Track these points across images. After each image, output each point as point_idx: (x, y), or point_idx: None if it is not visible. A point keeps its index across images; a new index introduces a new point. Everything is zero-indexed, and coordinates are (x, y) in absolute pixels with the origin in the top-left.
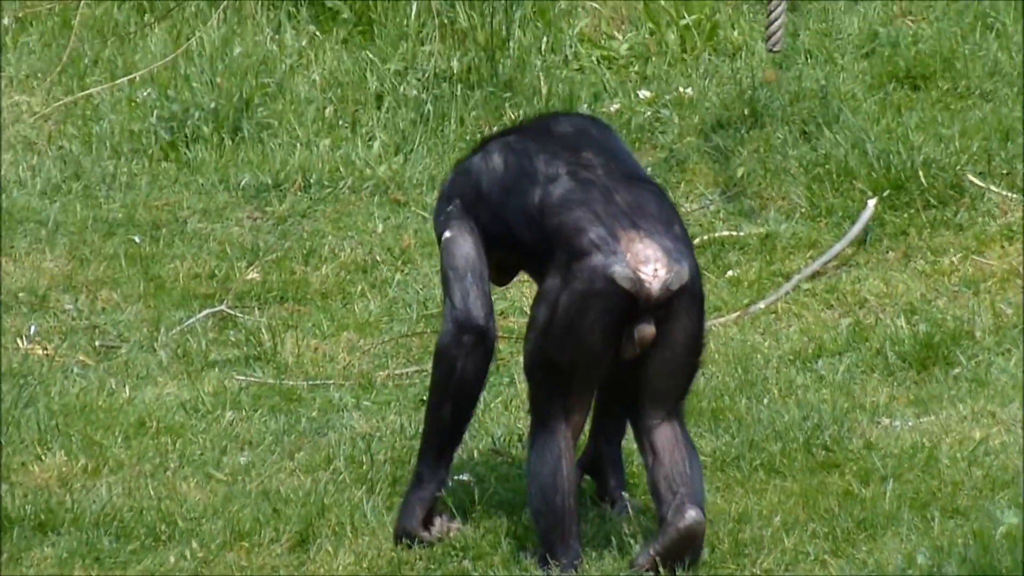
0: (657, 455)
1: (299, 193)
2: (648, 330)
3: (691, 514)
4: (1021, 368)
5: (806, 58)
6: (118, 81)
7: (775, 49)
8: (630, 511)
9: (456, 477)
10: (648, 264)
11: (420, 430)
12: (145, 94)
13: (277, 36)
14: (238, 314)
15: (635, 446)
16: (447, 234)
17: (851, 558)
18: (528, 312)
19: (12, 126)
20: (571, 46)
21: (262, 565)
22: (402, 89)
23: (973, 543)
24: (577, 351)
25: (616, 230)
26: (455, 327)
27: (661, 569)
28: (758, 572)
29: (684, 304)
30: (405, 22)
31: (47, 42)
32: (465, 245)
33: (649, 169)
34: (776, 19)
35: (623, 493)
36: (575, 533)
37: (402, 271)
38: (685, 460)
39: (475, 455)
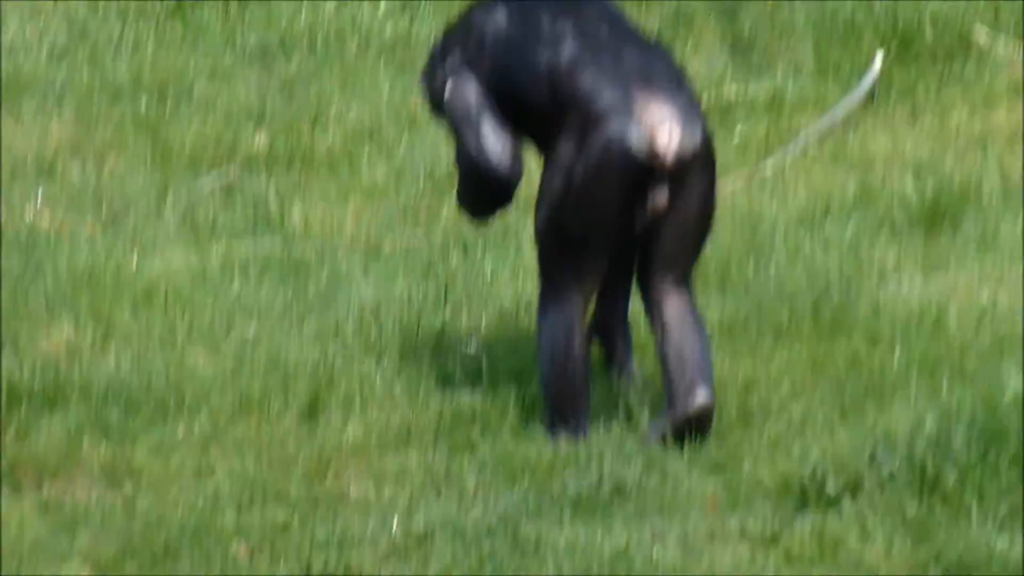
0: (666, 327)
1: (306, 54)
2: (662, 196)
3: (701, 396)
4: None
5: None
6: None
7: None
8: (637, 379)
9: (464, 349)
10: (663, 125)
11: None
12: None
13: None
14: (245, 180)
15: (643, 312)
16: (450, 82)
17: (859, 423)
18: (537, 178)
19: None
20: None
21: (271, 435)
22: None
23: (981, 407)
24: (593, 221)
25: (632, 90)
26: (473, 172)
27: (669, 445)
28: (766, 438)
29: (697, 169)
30: None
31: None
32: (471, 88)
33: (656, 24)
34: None
35: (631, 360)
36: (585, 402)
37: (409, 135)
38: (695, 335)
39: (481, 326)
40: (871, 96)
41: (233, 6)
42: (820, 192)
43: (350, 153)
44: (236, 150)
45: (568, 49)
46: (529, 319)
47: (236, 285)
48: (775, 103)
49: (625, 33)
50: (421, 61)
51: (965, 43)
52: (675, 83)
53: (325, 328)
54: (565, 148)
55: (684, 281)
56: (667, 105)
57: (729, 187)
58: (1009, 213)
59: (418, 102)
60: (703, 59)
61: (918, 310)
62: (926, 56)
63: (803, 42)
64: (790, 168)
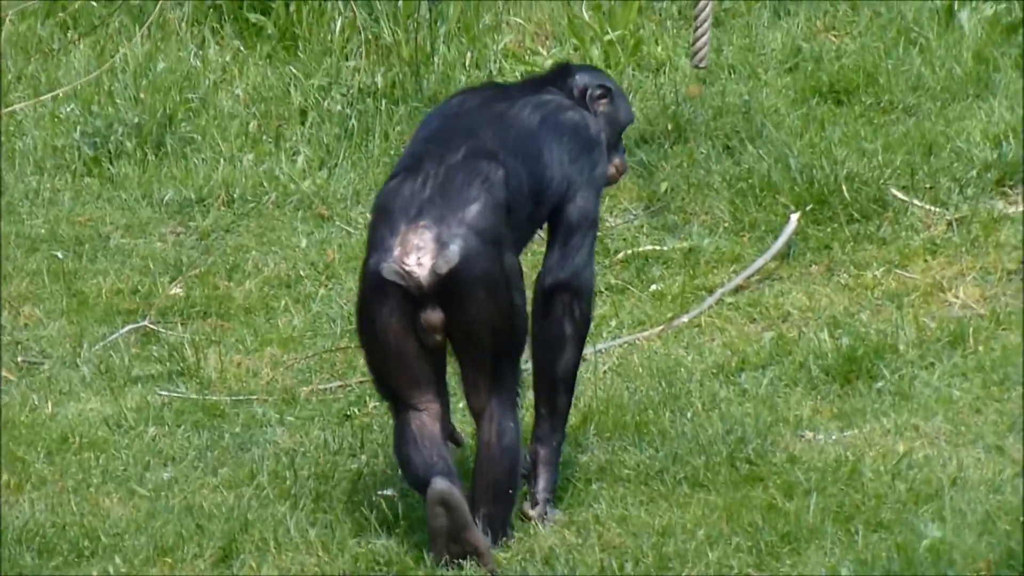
0: (479, 446)
1: (223, 208)
2: (432, 316)
3: (478, 538)
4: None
5: (729, 73)
6: (41, 97)
7: (700, 65)
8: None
9: (379, 492)
10: (412, 254)
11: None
12: (68, 110)
13: (201, 52)
14: (161, 329)
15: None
16: None
17: (775, 572)
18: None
19: None
20: (495, 61)
21: None
22: (326, 104)
23: (897, 556)
24: (377, 343)
25: (398, 224)
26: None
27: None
28: None
29: (465, 286)
30: (329, 37)
31: None
32: None
33: None
34: (702, 35)
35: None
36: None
37: (326, 286)
38: (492, 464)
39: (399, 469)
40: (787, 252)
41: (151, 161)
42: (736, 345)
43: (266, 304)
44: (151, 301)
45: (392, 181)
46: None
47: (151, 431)
48: (691, 259)
49: (469, 149)
50: (339, 213)
51: (880, 203)
52: (462, 203)
53: (240, 474)
54: None
55: (498, 394)
56: (428, 229)
57: (646, 339)
58: (925, 365)
59: (335, 254)
60: (620, 216)
61: (834, 460)
62: (842, 215)
63: (719, 200)
64: (707, 321)
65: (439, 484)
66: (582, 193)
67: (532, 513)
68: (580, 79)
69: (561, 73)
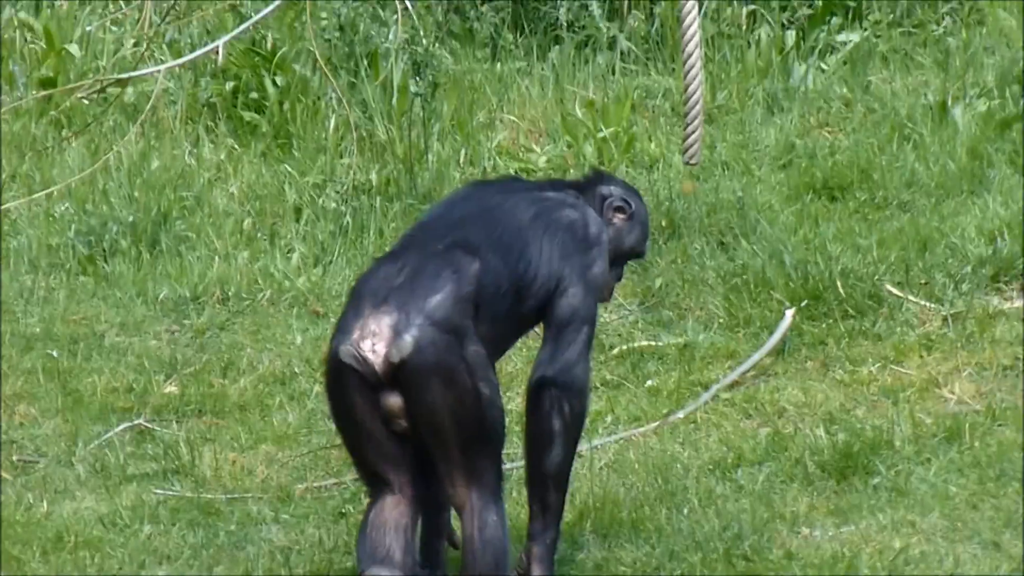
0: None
1: (217, 306)
2: (390, 400)
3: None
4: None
5: (723, 169)
6: (35, 195)
7: (692, 162)
8: None
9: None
10: (367, 340)
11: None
12: (63, 209)
13: (195, 150)
14: (156, 428)
15: None
16: None
17: None
18: None
19: None
20: (489, 158)
21: None
22: (321, 201)
23: None
24: (344, 423)
25: (363, 309)
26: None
27: None
28: None
29: (419, 375)
30: (323, 135)
31: None
32: None
33: None
34: (693, 132)
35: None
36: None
37: (321, 383)
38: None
39: None
40: (782, 348)
41: (145, 259)
42: (731, 440)
43: (261, 401)
44: (146, 399)
45: (373, 265)
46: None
47: (146, 530)
48: (687, 354)
49: (450, 240)
50: (334, 310)
51: (875, 299)
52: (428, 291)
53: (235, 573)
54: None
55: (477, 487)
56: (388, 316)
57: (641, 434)
58: (922, 461)
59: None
60: (615, 312)
61: (830, 557)
62: (837, 311)
63: (714, 296)
64: (702, 417)
65: (372, 572)
66: (573, 290)
67: None
68: (607, 188)
69: (593, 179)
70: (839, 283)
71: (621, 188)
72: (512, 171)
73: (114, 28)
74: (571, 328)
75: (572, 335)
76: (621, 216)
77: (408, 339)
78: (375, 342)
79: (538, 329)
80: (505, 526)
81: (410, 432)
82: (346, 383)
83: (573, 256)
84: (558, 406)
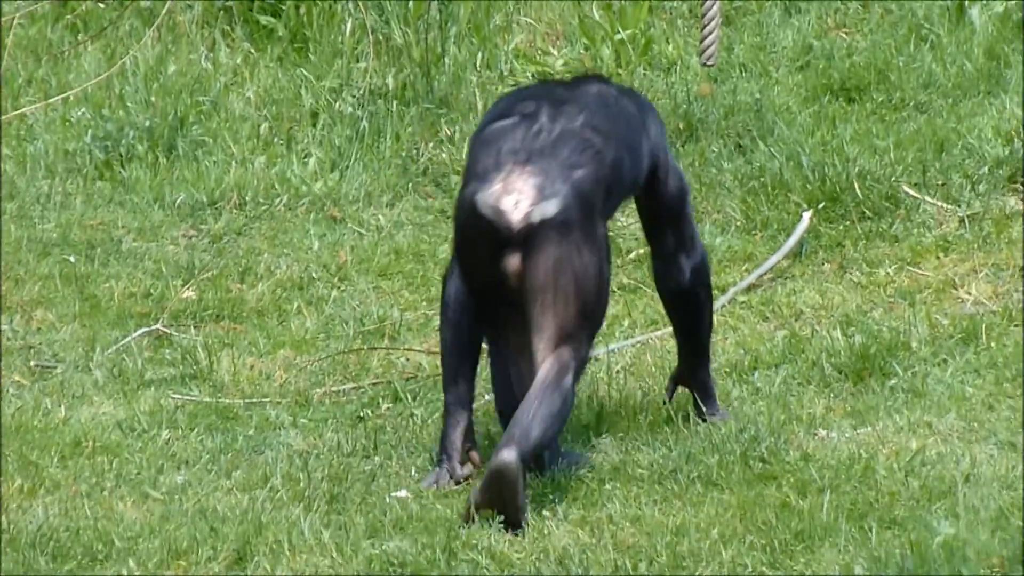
0: (528, 391)
1: (234, 211)
2: (514, 260)
3: (500, 455)
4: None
5: (740, 72)
6: (52, 100)
7: (709, 64)
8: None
9: (393, 494)
10: (510, 195)
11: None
12: (79, 113)
13: (211, 54)
14: (174, 333)
15: None
16: None
17: (789, 570)
18: None
19: None
20: (507, 62)
21: None
22: (337, 106)
23: (911, 554)
24: (468, 258)
25: (504, 163)
26: None
27: (475, 511)
28: None
29: (553, 238)
30: (340, 39)
31: None
32: None
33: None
34: (710, 33)
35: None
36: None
37: (338, 288)
38: (538, 401)
39: (413, 471)
40: (799, 251)
41: (162, 164)
42: (749, 343)
43: (279, 306)
44: (164, 304)
45: (497, 123)
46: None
47: (164, 435)
48: None
49: (579, 121)
50: (351, 215)
51: (892, 201)
52: (569, 163)
53: (253, 477)
54: None
55: (558, 351)
56: (534, 177)
57: (659, 338)
58: (938, 363)
59: (347, 256)
60: (632, 216)
61: (847, 458)
62: (854, 213)
63: (731, 199)
64: (719, 320)
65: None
66: (672, 170)
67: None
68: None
69: (599, 79)
70: (856, 185)
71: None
72: (530, 75)
73: None
74: (686, 206)
75: (687, 212)
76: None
77: (554, 202)
78: (519, 199)
79: None
80: (572, 399)
81: (515, 291)
82: (476, 230)
83: (662, 139)
84: (698, 280)
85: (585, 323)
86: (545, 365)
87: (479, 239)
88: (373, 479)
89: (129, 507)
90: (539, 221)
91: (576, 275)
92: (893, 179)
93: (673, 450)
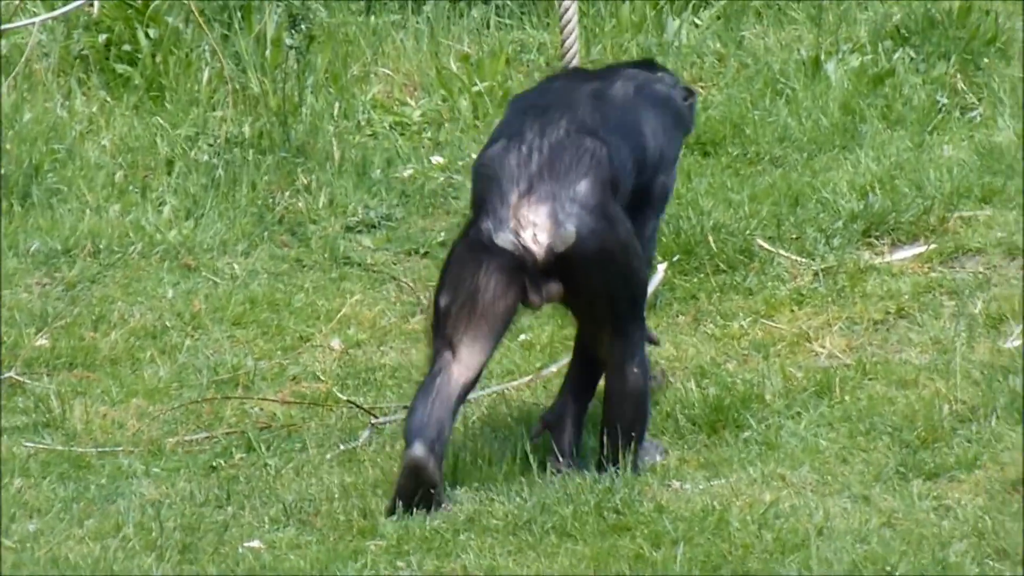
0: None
1: (88, 259)
2: (554, 287)
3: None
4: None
5: None
6: None
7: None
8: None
9: (245, 544)
10: (528, 229)
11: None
12: None
13: (67, 102)
14: (27, 380)
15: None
16: None
17: None
18: None
19: None
20: (364, 112)
21: None
22: (193, 154)
23: None
24: (462, 290)
25: (508, 194)
26: None
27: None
28: None
29: (582, 263)
30: (196, 88)
31: None
32: None
33: (443, 236)
34: (569, 35)
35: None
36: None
37: (192, 336)
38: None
39: (266, 521)
40: (654, 302)
41: (16, 211)
42: (603, 393)
43: (132, 355)
44: (17, 352)
45: (492, 149)
46: (320, 518)
47: (17, 483)
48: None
49: (573, 126)
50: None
51: (747, 254)
52: (571, 180)
53: (106, 526)
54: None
55: (621, 344)
56: (542, 204)
57: (514, 388)
58: (792, 415)
59: (201, 304)
60: None
61: (701, 510)
62: (708, 265)
63: None
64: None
65: (416, 451)
66: (668, 166)
67: None
68: (669, 77)
69: (650, 64)
70: (711, 238)
71: (674, 77)
72: (387, 125)
73: None
74: (662, 203)
75: (661, 207)
76: (688, 103)
77: (571, 228)
78: (536, 232)
79: None
80: (647, 374)
81: (567, 306)
82: (489, 261)
83: (670, 131)
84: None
85: (632, 311)
86: (611, 376)
87: (495, 273)
88: (226, 529)
89: None
90: (563, 249)
91: (618, 283)
92: (748, 232)
93: (528, 500)
